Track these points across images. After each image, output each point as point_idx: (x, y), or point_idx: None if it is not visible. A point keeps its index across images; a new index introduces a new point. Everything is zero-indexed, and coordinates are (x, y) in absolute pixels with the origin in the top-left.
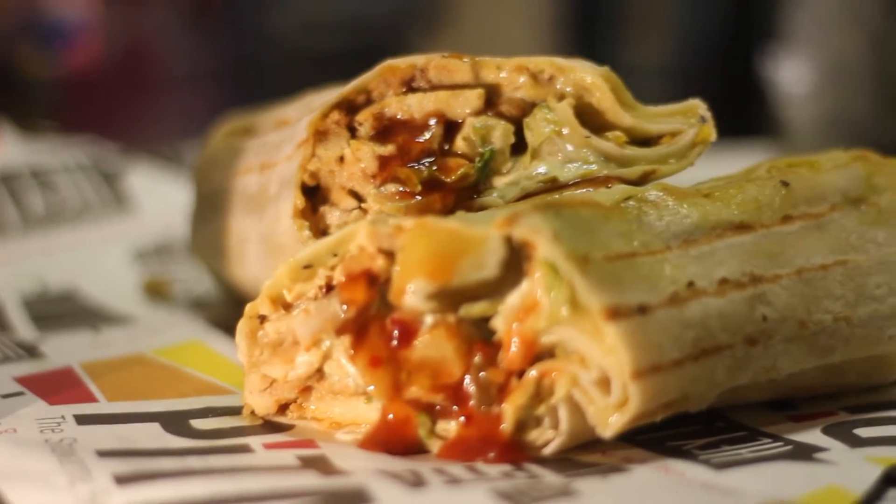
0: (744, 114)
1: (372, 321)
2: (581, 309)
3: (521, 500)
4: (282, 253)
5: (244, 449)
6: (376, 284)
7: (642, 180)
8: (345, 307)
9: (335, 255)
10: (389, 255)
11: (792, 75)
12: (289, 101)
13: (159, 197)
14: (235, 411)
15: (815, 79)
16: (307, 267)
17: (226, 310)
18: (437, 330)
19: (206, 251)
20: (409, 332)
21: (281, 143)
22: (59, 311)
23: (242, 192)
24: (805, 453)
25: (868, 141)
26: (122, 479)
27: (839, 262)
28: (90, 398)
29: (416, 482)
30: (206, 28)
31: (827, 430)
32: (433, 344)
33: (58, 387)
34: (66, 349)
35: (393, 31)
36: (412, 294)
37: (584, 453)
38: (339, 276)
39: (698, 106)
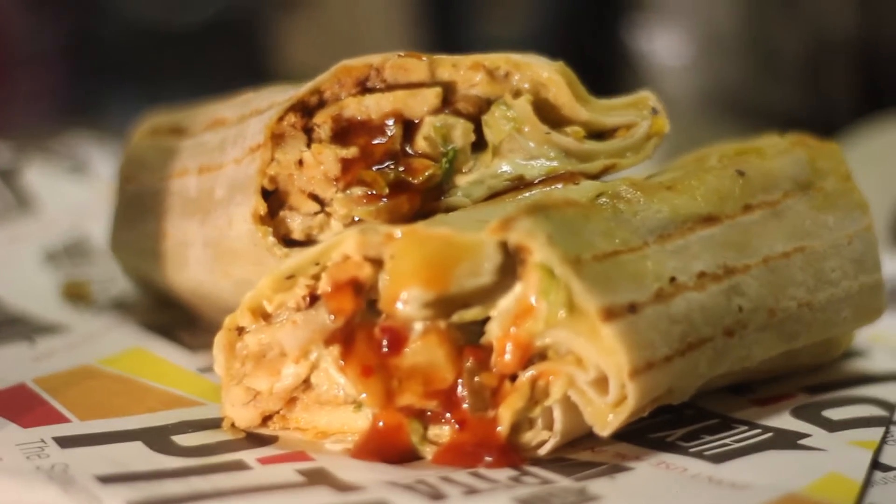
0: (612, 86)
1: (358, 329)
2: (577, 311)
3: None
4: (234, 258)
5: (241, 466)
6: (362, 293)
7: (602, 175)
8: (332, 317)
9: (317, 264)
10: (375, 263)
11: (666, 47)
12: (219, 100)
13: (61, 194)
14: (213, 424)
15: (690, 51)
16: (289, 277)
17: (155, 312)
18: (427, 336)
19: (134, 254)
20: (398, 339)
21: (222, 144)
22: None
23: (179, 194)
24: (789, 441)
25: (745, 113)
26: None
27: (798, 249)
28: (61, 418)
29: (435, 495)
30: (48, 5)
31: (797, 414)
32: (425, 350)
33: (22, 407)
34: (8, 363)
35: (250, 6)
36: (408, 302)
37: (575, 451)
38: (324, 286)
39: (648, 98)
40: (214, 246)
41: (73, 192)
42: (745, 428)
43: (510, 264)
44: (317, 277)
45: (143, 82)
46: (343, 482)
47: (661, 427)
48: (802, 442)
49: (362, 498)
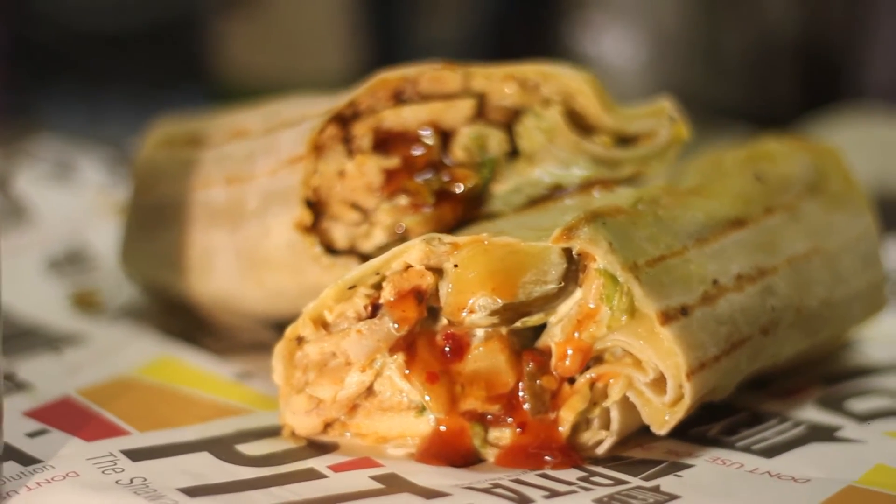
0: None
1: (419, 337)
2: (638, 315)
3: None
4: (269, 267)
5: (315, 474)
6: (424, 301)
7: (628, 181)
8: (396, 325)
9: (376, 274)
10: (436, 272)
11: (614, 49)
12: (236, 110)
13: (54, 202)
14: (272, 432)
15: (638, 52)
16: (351, 287)
17: (167, 319)
18: (490, 342)
19: (150, 264)
20: (461, 345)
21: (251, 156)
22: None
23: (204, 205)
24: (825, 433)
25: (694, 111)
26: None
27: (815, 249)
28: (121, 431)
29: (521, 499)
30: None
31: (821, 406)
32: (487, 356)
33: (77, 420)
34: (44, 375)
35: (190, 9)
36: (476, 311)
37: (627, 449)
38: (387, 295)
39: (666, 106)
40: (247, 255)
41: (65, 199)
42: (776, 421)
43: (571, 271)
44: (376, 287)
45: (80, 85)
46: (424, 488)
47: (697, 422)
48: (838, 434)
49: None
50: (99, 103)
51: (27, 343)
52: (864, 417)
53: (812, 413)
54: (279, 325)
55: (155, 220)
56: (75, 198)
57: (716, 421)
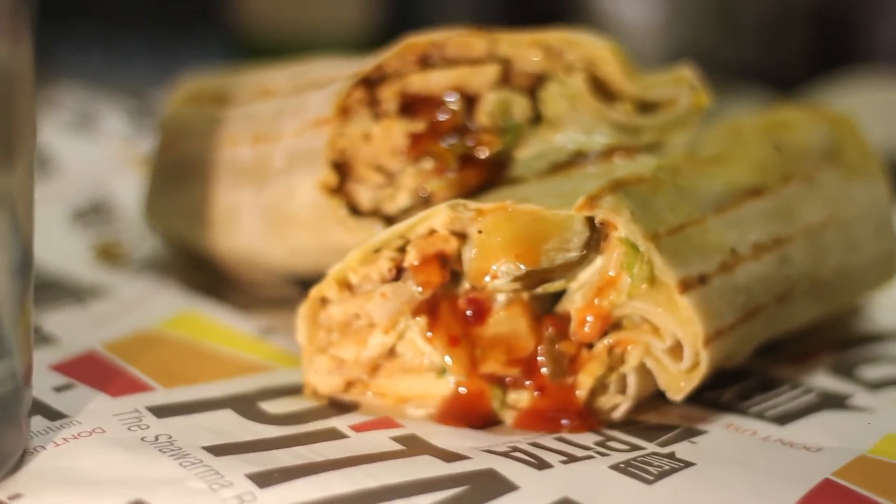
0: None
1: (442, 300)
2: (658, 283)
3: (648, 476)
4: (292, 226)
5: (336, 434)
6: (447, 265)
7: (650, 148)
8: (420, 289)
9: (400, 238)
10: (459, 237)
11: (632, 7)
12: (262, 68)
13: (77, 152)
14: (294, 390)
15: (658, 11)
16: (376, 251)
17: (190, 272)
18: (511, 307)
19: (175, 218)
20: (482, 309)
21: (277, 116)
22: None
23: (230, 162)
24: (837, 401)
25: (710, 72)
26: (261, 482)
27: (831, 218)
28: (145, 387)
29: (539, 464)
30: None
31: (832, 372)
32: (508, 320)
33: (103, 375)
34: (70, 328)
35: None
36: (499, 276)
37: (643, 413)
38: (411, 259)
39: (687, 74)
40: (272, 214)
41: (88, 150)
42: (788, 387)
43: (593, 239)
44: (400, 250)
45: (98, 29)
46: (444, 450)
47: (710, 387)
48: (849, 402)
49: (471, 468)
50: (116, 48)
51: (52, 295)
52: (875, 385)
53: (823, 379)
54: (301, 281)
55: (180, 176)
56: (98, 148)
57: (728, 385)
